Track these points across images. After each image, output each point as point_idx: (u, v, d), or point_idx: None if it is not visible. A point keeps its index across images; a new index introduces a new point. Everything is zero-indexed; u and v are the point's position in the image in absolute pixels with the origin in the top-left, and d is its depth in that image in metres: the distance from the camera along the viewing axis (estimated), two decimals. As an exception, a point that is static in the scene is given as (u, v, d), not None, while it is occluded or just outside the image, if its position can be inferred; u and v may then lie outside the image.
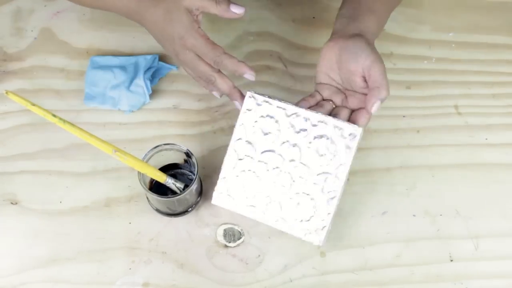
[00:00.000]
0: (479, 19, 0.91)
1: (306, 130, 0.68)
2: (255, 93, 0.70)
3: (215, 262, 0.73)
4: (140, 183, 0.70)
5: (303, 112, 0.68)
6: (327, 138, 0.68)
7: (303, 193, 0.69)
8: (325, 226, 0.68)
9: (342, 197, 0.68)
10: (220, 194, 0.71)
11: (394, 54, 0.87)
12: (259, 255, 0.74)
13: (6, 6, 0.89)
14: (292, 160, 0.69)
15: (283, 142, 0.69)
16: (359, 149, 0.79)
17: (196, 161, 0.71)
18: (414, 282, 0.72)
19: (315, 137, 0.68)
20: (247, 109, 0.70)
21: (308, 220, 0.68)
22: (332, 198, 0.68)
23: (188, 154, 0.71)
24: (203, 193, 0.76)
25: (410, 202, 0.77)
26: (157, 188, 0.73)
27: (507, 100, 0.84)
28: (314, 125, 0.68)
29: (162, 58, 0.86)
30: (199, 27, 0.69)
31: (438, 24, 0.90)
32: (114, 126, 0.81)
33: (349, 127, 0.67)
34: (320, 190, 0.68)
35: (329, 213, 0.68)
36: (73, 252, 0.73)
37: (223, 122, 0.82)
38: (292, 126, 0.69)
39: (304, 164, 0.68)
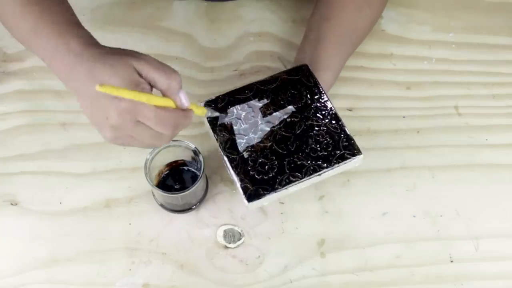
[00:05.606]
0: (479, 20, 0.91)
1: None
2: (208, 105, 0.72)
3: (215, 263, 0.73)
4: (146, 178, 0.70)
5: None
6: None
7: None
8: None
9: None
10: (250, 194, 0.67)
11: (394, 54, 0.87)
12: (259, 256, 0.74)
13: (6, 7, 0.89)
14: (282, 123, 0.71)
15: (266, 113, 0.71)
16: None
17: (203, 159, 0.71)
18: (414, 283, 0.72)
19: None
20: (209, 118, 0.71)
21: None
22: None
23: (195, 152, 0.72)
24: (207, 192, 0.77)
25: (410, 203, 0.77)
26: (162, 184, 0.75)
27: (507, 101, 0.84)
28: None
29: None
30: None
31: (438, 25, 0.90)
32: (114, 127, 0.81)
33: None
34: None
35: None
36: (73, 253, 0.73)
37: (223, 122, 0.82)
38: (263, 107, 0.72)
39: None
